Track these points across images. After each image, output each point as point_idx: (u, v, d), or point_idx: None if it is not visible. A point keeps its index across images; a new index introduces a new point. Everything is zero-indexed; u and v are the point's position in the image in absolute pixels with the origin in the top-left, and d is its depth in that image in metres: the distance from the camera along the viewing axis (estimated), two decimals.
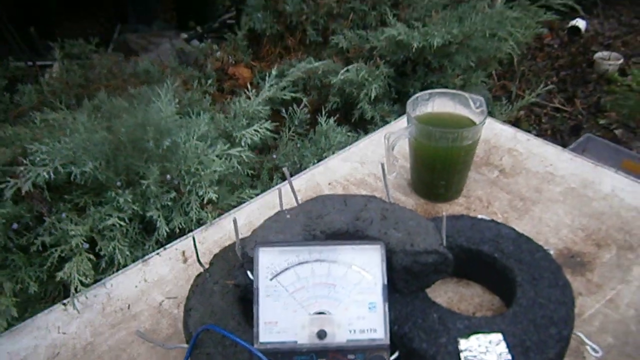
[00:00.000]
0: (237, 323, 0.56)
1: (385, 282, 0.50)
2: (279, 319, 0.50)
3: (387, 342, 0.49)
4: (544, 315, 0.55)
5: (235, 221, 0.55)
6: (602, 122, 2.51)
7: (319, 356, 0.49)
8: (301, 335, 0.49)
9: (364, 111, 1.50)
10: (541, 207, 0.77)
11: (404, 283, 0.56)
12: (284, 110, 1.43)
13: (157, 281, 0.70)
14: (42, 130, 0.98)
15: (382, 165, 0.60)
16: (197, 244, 0.74)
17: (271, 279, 0.50)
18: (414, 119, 0.72)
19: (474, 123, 0.74)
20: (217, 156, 0.87)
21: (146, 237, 0.86)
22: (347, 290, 0.50)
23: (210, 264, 0.64)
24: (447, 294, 0.65)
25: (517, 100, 2.13)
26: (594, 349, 0.54)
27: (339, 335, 0.49)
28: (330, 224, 0.58)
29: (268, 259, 0.51)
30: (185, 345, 0.55)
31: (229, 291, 0.59)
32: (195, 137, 0.87)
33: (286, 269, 0.51)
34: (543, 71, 3.02)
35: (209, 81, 1.59)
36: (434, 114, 0.77)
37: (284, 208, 0.62)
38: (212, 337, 0.55)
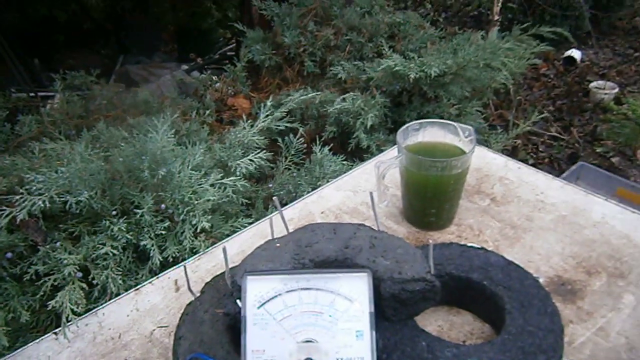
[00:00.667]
0: (227, 352, 0.56)
1: (372, 310, 0.50)
2: (266, 347, 0.50)
3: None
4: (532, 342, 0.55)
5: (224, 250, 0.55)
6: (598, 150, 2.53)
7: None
8: None
9: (360, 140, 1.51)
10: (532, 235, 0.78)
11: (393, 311, 0.57)
12: (280, 140, 1.45)
13: (149, 310, 0.71)
14: (40, 160, 0.99)
15: (371, 193, 0.61)
16: (190, 272, 0.75)
17: (259, 307, 0.51)
18: (404, 148, 0.74)
19: (463, 152, 0.75)
20: (210, 185, 0.88)
21: (140, 266, 0.86)
22: (334, 318, 0.50)
23: (201, 292, 0.64)
24: (437, 322, 0.65)
25: (514, 129, 2.16)
26: None
27: None
28: (319, 252, 0.59)
29: (256, 287, 0.51)
30: None
31: (218, 320, 0.60)
32: (189, 167, 0.89)
33: (274, 297, 0.51)
34: (540, 100, 3.06)
35: (208, 111, 1.61)
36: (424, 144, 0.78)
37: (275, 237, 0.63)
38: None
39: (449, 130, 0.77)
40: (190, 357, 0.53)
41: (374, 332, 0.50)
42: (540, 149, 2.64)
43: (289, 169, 1.36)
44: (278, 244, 0.61)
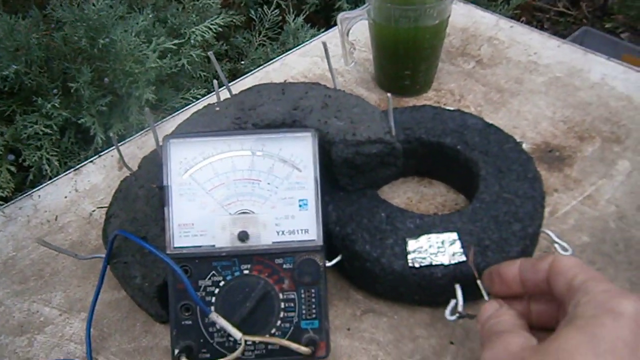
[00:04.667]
0: (161, 229, 0.49)
1: (318, 175, 0.43)
2: (194, 220, 0.43)
3: (320, 243, 0.42)
4: (507, 211, 0.48)
5: (148, 112, 0.47)
6: (608, 25, 2.36)
7: (242, 261, 0.43)
8: (220, 238, 0.43)
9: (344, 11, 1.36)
10: (520, 99, 0.69)
11: (348, 179, 0.49)
12: (253, 13, 1.31)
13: (89, 191, 0.64)
14: None
15: (324, 44, 0.51)
16: (135, 149, 0.67)
17: (184, 176, 0.43)
18: None
19: None
20: (152, 51, 0.77)
21: (85, 148, 0.79)
22: (273, 186, 0.43)
23: (139, 167, 0.57)
24: (406, 194, 0.58)
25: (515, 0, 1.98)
26: (563, 248, 0.47)
27: (265, 237, 0.43)
28: (263, 115, 0.51)
29: (181, 153, 0.44)
30: (101, 255, 0.49)
31: (154, 195, 0.53)
32: (133, 34, 0.78)
33: (202, 164, 0.43)
34: None
35: None
36: None
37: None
38: (130, 245, 0.49)
39: None
40: (112, 235, 0.47)
41: (319, 202, 0.43)
42: (545, 27, 2.46)
43: (264, 45, 1.24)
44: (217, 108, 0.53)
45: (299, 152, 0.43)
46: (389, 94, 0.45)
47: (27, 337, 0.50)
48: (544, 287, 0.35)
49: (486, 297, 0.42)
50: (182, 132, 0.50)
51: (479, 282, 0.43)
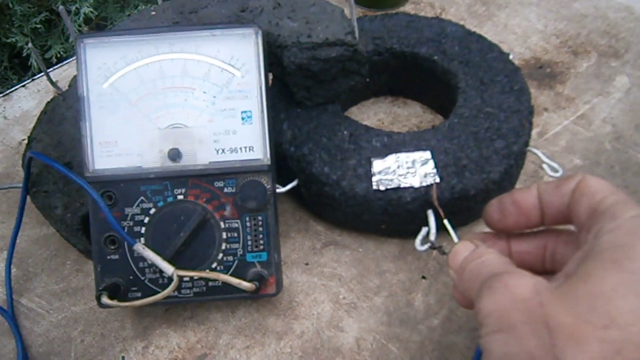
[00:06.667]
0: None
1: (263, 82, 0.36)
2: (118, 137, 0.36)
3: (267, 162, 0.36)
4: (489, 126, 0.41)
5: (62, 10, 0.39)
6: None
7: (175, 185, 0.36)
8: (148, 157, 0.36)
9: None
10: (508, 12, 0.61)
11: (305, 91, 0.42)
12: None
13: (20, 118, 0.56)
14: None
15: None
16: (75, 72, 0.59)
17: (104, 85, 0.36)
18: None
19: None
20: None
21: (22, 74, 0.70)
22: (210, 95, 0.36)
23: (69, 86, 0.49)
24: (377, 115, 0.52)
25: None
26: (553, 169, 0.41)
27: (201, 156, 0.36)
28: (206, 19, 0.43)
29: (99, 57, 0.36)
30: (18, 185, 0.43)
31: None
32: None
33: (124, 70, 0.36)
34: None
35: None
36: None
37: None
38: (52, 172, 0.42)
39: None
40: (27, 156, 0.40)
41: (265, 114, 0.36)
42: None
43: None
44: (153, 12, 0.45)
45: (240, 53, 0.36)
46: None
47: None
48: (567, 215, 0.28)
49: (455, 239, 0.36)
50: None
51: (445, 221, 0.37)
